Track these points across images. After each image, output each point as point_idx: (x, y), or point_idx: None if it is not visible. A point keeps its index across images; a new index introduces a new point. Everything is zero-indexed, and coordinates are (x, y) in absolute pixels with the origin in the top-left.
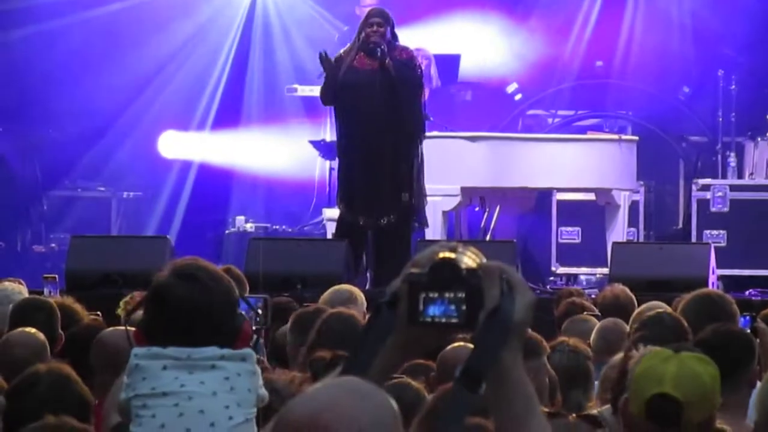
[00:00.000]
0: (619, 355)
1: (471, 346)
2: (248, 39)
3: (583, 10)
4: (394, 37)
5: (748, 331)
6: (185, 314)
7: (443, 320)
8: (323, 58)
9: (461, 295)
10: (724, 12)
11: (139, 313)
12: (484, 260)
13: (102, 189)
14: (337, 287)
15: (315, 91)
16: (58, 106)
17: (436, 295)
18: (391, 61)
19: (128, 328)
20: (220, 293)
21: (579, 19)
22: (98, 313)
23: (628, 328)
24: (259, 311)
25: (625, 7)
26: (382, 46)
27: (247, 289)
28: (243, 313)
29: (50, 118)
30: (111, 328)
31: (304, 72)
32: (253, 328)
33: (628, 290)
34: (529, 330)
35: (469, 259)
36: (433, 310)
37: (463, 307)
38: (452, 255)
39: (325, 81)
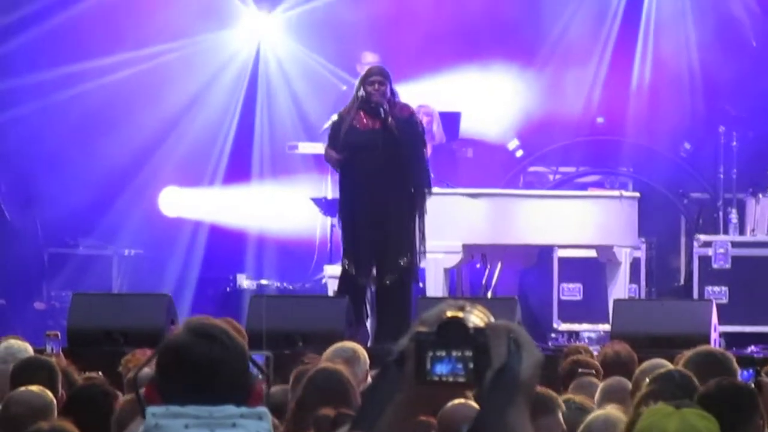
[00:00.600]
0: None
1: (472, 403)
2: (252, 96)
3: (591, 67)
4: (394, 94)
5: (752, 385)
6: (204, 372)
7: (451, 379)
8: (328, 152)
9: (468, 353)
10: (726, 69)
11: (146, 371)
12: (492, 319)
13: (103, 246)
14: (340, 344)
15: (317, 148)
16: (61, 162)
17: (443, 353)
18: (393, 119)
19: (138, 388)
20: (237, 351)
21: (585, 76)
22: (92, 376)
23: (630, 385)
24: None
25: (629, 65)
26: (384, 106)
27: (247, 342)
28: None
29: (52, 174)
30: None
31: (310, 126)
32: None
33: (629, 347)
34: (539, 387)
35: (477, 317)
36: (441, 369)
37: (471, 366)
38: (460, 314)
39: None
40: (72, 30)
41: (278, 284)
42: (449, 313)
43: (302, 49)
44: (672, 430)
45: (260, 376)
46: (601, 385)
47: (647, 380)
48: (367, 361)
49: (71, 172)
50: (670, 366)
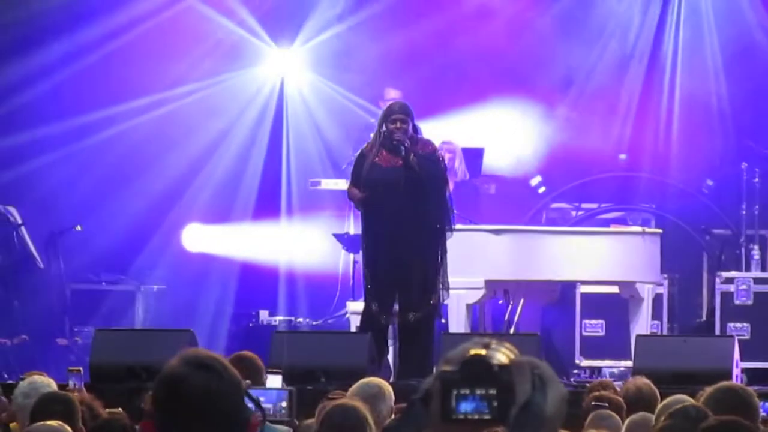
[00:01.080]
0: None
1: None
2: (277, 133)
3: (614, 104)
4: (417, 130)
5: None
6: (200, 403)
7: (476, 416)
8: (352, 192)
9: (493, 391)
10: (749, 105)
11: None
12: (517, 355)
13: (126, 282)
14: (366, 380)
15: (339, 184)
16: (84, 199)
17: (468, 391)
18: (414, 156)
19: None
20: (232, 382)
21: (608, 112)
22: (114, 411)
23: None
24: (284, 404)
25: (652, 101)
26: (406, 144)
27: (264, 375)
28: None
29: (75, 211)
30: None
31: (334, 160)
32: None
33: (651, 383)
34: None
35: (502, 355)
36: (465, 407)
37: (495, 404)
38: (483, 351)
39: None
40: (98, 75)
41: (301, 320)
42: (473, 351)
43: (324, 81)
44: None
45: (257, 411)
46: (627, 421)
47: (664, 416)
48: (393, 397)
49: (98, 211)
50: (692, 402)
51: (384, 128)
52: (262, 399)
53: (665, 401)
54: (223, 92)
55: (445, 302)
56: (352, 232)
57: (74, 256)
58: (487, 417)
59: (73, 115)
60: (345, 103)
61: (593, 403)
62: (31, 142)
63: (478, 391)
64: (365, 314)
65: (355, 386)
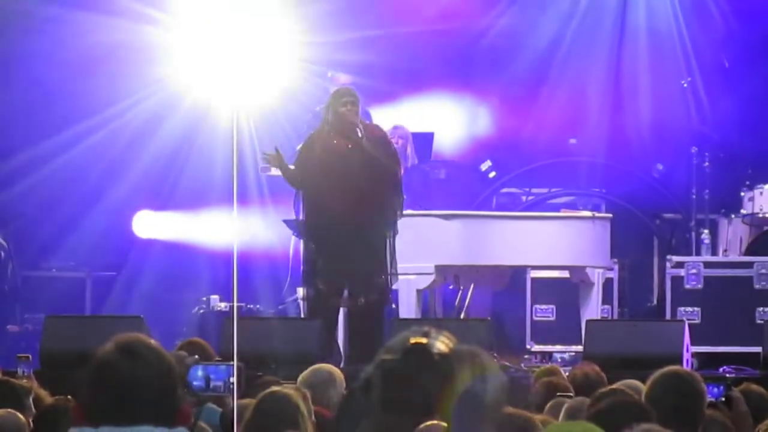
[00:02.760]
0: None
1: (444, 424)
2: (220, 115)
3: (563, 88)
4: (366, 115)
5: (723, 399)
6: (126, 390)
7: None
8: (272, 157)
9: (434, 379)
10: (697, 88)
11: None
12: (457, 344)
13: (76, 268)
14: (316, 367)
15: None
16: (33, 183)
17: (409, 379)
18: (367, 140)
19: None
20: (162, 369)
21: (557, 97)
22: (64, 398)
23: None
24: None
25: (602, 85)
26: (359, 126)
27: (214, 358)
28: (185, 392)
29: (24, 196)
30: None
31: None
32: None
33: (598, 369)
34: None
35: (442, 343)
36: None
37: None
38: (424, 340)
39: (284, 170)
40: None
41: (251, 306)
42: (414, 340)
43: None
44: None
45: (190, 398)
46: (564, 405)
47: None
48: (344, 383)
49: (47, 197)
50: (641, 387)
51: (332, 112)
52: (211, 376)
53: (613, 386)
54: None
55: (395, 288)
56: (302, 217)
57: (24, 243)
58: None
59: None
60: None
61: (558, 394)
62: None
63: (420, 379)
64: (314, 299)
65: (306, 372)
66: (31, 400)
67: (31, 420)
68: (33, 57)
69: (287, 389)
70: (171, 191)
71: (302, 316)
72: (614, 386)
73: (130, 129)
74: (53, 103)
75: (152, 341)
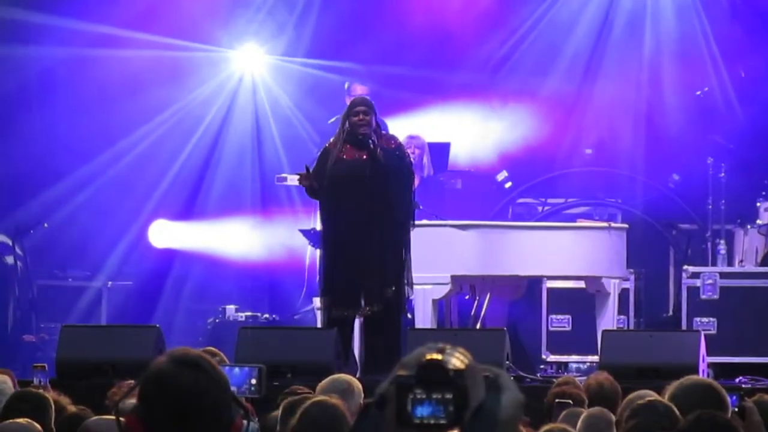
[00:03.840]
0: None
1: None
2: (238, 129)
3: (580, 98)
4: (381, 125)
5: (735, 410)
6: (188, 402)
7: (431, 421)
8: (302, 176)
9: (449, 396)
10: (714, 100)
11: (130, 401)
12: (472, 360)
13: (92, 278)
14: (335, 377)
15: None
16: (50, 194)
17: (423, 396)
18: (381, 150)
19: (119, 417)
20: (221, 382)
21: (574, 107)
22: (83, 407)
23: (612, 416)
24: (254, 381)
25: (618, 96)
26: (372, 137)
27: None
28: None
29: (41, 206)
30: (96, 417)
31: (297, 158)
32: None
33: (612, 378)
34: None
35: (457, 360)
36: (421, 411)
37: (451, 408)
38: (439, 356)
39: (306, 187)
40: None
41: (267, 316)
42: (429, 356)
43: (285, 99)
44: None
45: (241, 412)
46: (582, 415)
47: (628, 412)
48: (362, 393)
49: (64, 207)
50: (656, 397)
51: (347, 123)
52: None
53: (629, 396)
54: (197, 67)
55: (411, 298)
56: (318, 227)
57: (41, 253)
58: (443, 422)
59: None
60: (297, 126)
61: (557, 400)
62: None
63: (434, 396)
64: (329, 309)
65: (324, 382)
66: (52, 409)
67: (53, 428)
68: (55, 84)
69: (333, 399)
70: (187, 201)
71: (318, 325)
72: (653, 398)
73: (146, 141)
74: (74, 122)
75: (206, 354)
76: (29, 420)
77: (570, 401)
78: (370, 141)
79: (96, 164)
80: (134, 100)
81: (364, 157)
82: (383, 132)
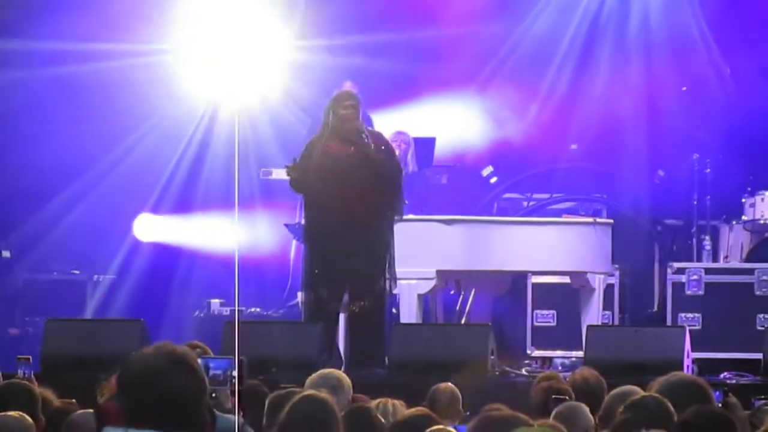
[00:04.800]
0: None
1: (451, 430)
2: (224, 122)
3: (565, 94)
4: (367, 121)
5: (719, 405)
6: (176, 400)
7: None
8: (290, 168)
9: None
10: (699, 96)
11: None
12: None
13: (76, 272)
14: (325, 371)
15: None
16: (33, 188)
17: None
18: (374, 146)
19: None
20: (204, 383)
21: (558, 103)
22: (69, 401)
23: (586, 409)
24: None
25: (603, 92)
26: (365, 133)
27: None
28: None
29: (24, 199)
30: (82, 411)
31: (269, 157)
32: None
33: (597, 374)
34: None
35: None
36: None
37: None
38: None
39: (293, 179)
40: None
41: (252, 310)
42: None
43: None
44: None
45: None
46: (556, 409)
47: (621, 408)
48: (351, 389)
49: (49, 201)
50: (641, 392)
51: (332, 116)
52: (211, 365)
53: (614, 392)
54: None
55: (396, 292)
56: (302, 221)
57: (25, 247)
58: None
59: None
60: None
61: (554, 396)
62: None
63: None
64: (313, 304)
65: (314, 377)
66: (39, 401)
67: (41, 422)
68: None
69: (323, 394)
70: (172, 194)
71: (302, 320)
72: (647, 393)
73: (132, 136)
74: (58, 122)
75: (190, 352)
76: (21, 413)
77: (567, 397)
78: (361, 134)
79: (82, 161)
80: (121, 104)
81: (351, 150)
82: (369, 128)
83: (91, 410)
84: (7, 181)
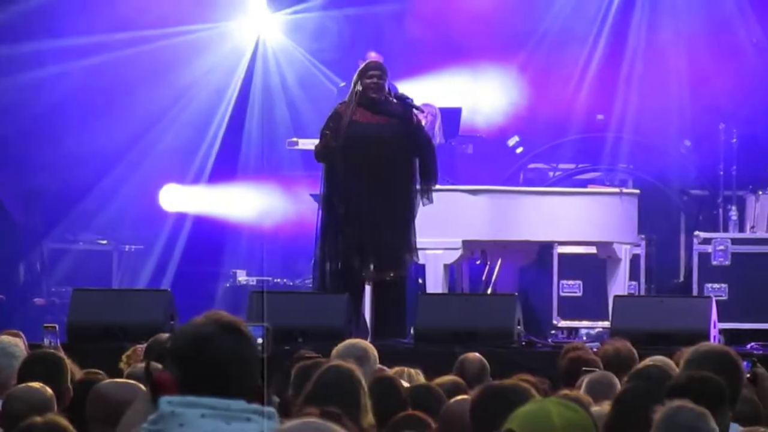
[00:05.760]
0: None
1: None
2: (248, 92)
3: (591, 64)
4: (391, 90)
5: (748, 375)
6: (228, 367)
7: None
8: (329, 136)
9: None
10: (725, 65)
11: (140, 365)
12: None
13: (103, 242)
14: (351, 342)
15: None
16: (60, 157)
17: None
18: (402, 111)
19: (151, 372)
20: (257, 350)
21: (585, 73)
22: (95, 371)
23: (616, 380)
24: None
25: (629, 61)
26: (410, 100)
27: None
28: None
29: (52, 169)
30: (109, 380)
31: (303, 126)
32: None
33: (629, 344)
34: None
35: None
36: None
37: None
38: None
39: (329, 148)
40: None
41: (278, 280)
42: None
43: (300, 51)
44: (521, 413)
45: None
46: (585, 379)
47: (626, 377)
48: (377, 360)
49: (70, 167)
50: (670, 363)
51: (360, 85)
52: None
53: (643, 362)
54: (200, 42)
55: (423, 263)
56: (328, 191)
57: (51, 216)
58: None
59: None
60: (316, 74)
61: (584, 368)
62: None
63: None
64: (340, 273)
65: (340, 347)
66: (68, 369)
67: (69, 392)
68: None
69: (349, 364)
70: (198, 165)
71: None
72: (648, 362)
73: (157, 104)
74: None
75: (242, 320)
76: (42, 384)
77: (596, 369)
78: (408, 101)
79: (103, 128)
80: (152, 87)
81: (377, 119)
82: (400, 95)
83: (118, 380)
84: (34, 149)
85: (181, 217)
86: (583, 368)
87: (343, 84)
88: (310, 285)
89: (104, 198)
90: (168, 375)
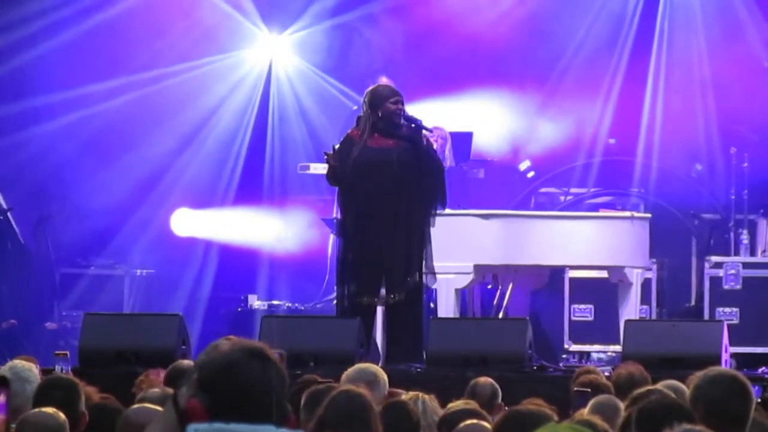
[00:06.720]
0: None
1: (486, 425)
2: (263, 116)
3: (603, 88)
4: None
5: (759, 401)
6: (256, 393)
7: None
8: (329, 155)
9: None
10: (737, 90)
11: (154, 390)
12: None
13: (115, 266)
14: (361, 366)
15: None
16: (72, 182)
17: None
18: (413, 136)
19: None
20: (284, 376)
21: (597, 97)
22: (108, 396)
23: (620, 403)
24: None
25: (640, 86)
26: (421, 123)
27: None
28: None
29: (64, 194)
30: (137, 406)
31: (321, 146)
32: None
33: (642, 368)
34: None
35: None
36: None
37: None
38: None
39: (331, 168)
40: (85, 48)
41: (289, 305)
42: None
43: (312, 70)
44: None
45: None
46: (591, 401)
47: (627, 401)
48: (387, 384)
49: (83, 191)
50: (682, 387)
51: (378, 111)
52: None
53: (655, 386)
54: (210, 74)
55: (434, 287)
56: (340, 216)
57: (63, 241)
58: None
59: (58, 89)
60: (332, 92)
61: (575, 389)
62: (15, 130)
63: None
64: (350, 297)
65: (350, 371)
66: (83, 395)
67: (85, 417)
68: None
69: (360, 388)
70: (209, 189)
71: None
72: (652, 387)
73: (172, 131)
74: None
75: (267, 347)
76: (55, 410)
77: (589, 390)
78: (418, 123)
79: (120, 155)
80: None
81: (391, 144)
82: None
83: (147, 405)
84: (46, 173)
85: (193, 241)
86: (575, 389)
87: (355, 108)
88: (320, 308)
89: (117, 224)
90: (197, 402)
